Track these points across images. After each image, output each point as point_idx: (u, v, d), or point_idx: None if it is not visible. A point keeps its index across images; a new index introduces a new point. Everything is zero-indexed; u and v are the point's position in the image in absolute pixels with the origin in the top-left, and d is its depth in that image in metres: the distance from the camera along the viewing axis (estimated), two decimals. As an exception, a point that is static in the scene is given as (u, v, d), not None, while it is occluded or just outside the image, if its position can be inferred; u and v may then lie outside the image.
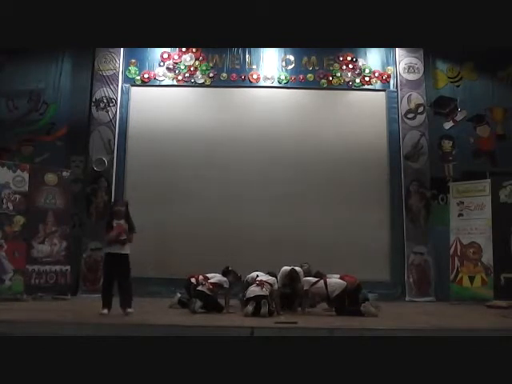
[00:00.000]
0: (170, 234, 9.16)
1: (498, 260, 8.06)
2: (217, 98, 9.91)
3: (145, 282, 8.96)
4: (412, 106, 9.63)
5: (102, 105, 9.53)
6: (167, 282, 8.67)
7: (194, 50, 9.81)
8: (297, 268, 6.65)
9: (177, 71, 9.80)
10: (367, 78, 9.82)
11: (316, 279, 6.33)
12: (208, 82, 9.82)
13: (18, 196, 7.90)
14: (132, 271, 9.17)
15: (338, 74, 9.83)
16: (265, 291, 5.99)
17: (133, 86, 9.77)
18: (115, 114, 9.52)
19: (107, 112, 9.50)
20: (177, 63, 9.83)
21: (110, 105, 9.54)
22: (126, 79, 9.77)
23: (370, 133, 9.62)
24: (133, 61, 9.80)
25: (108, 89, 9.58)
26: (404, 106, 9.64)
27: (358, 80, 9.83)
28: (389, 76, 9.86)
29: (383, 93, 9.84)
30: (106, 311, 5.80)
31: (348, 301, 6.24)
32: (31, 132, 9.68)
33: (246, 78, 9.82)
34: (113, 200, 6.27)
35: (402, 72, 9.75)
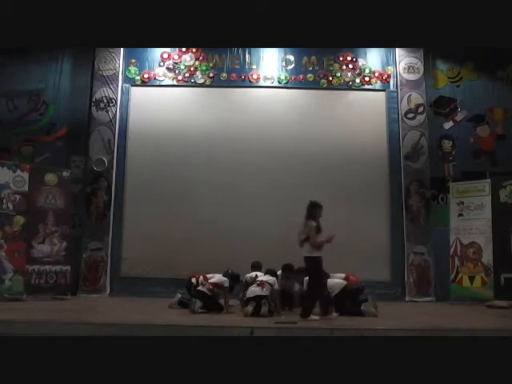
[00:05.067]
0: (169, 233, 9.14)
1: (498, 260, 8.05)
2: (217, 98, 9.91)
3: (145, 282, 9.01)
4: (412, 105, 9.64)
5: (101, 105, 9.54)
6: (167, 282, 8.69)
7: (193, 50, 9.82)
8: None
9: (177, 71, 9.80)
10: (367, 78, 9.82)
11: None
12: (208, 82, 9.83)
13: (18, 196, 7.91)
14: (132, 271, 9.29)
15: (338, 74, 9.83)
16: (265, 291, 6.01)
17: (133, 86, 9.79)
18: (115, 114, 9.53)
19: (107, 112, 9.51)
20: (177, 63, 9.83)
21: (110, 105, 9.54)
22: (126, 79, 9.78)
23: (369, 133, 9.62)
24: (133, 61, 9.80)
25: (108, 89, 9.59)
26: (404, 106, 9.64)
27: (357, 80, 9.83)
28: (389, 76, 9.86)
29: (383, 93, 9.85)
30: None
31: (348, 301, 6.24)
32: (31, 132, 9.69)
33: (246, 78, 9.82)
34: (313, 201, 5.90)
35: (401, 72, 9.76)
